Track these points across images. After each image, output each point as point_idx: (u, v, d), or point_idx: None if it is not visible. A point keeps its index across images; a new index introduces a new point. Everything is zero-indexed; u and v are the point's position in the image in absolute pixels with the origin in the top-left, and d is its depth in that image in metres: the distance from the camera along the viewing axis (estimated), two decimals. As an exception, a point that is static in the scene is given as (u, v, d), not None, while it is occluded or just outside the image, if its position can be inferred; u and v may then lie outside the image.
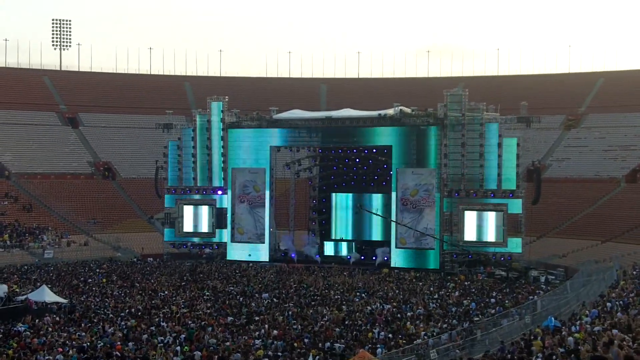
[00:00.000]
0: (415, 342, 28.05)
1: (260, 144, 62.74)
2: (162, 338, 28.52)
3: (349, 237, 64.38)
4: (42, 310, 35.72)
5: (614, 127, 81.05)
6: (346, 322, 32.55)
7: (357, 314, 34.91)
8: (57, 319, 33.76)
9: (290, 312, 35.30)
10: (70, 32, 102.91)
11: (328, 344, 27.61)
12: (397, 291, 43.70)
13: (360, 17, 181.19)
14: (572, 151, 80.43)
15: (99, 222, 71.59)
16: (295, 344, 27.64)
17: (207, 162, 63.92)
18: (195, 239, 64.37)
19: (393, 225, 58.48)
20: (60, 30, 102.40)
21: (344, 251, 63.21)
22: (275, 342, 28.09)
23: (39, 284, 43.00)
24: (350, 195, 64.90)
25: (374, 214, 62.75)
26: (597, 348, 17.13)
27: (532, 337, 24.55)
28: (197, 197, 64.24)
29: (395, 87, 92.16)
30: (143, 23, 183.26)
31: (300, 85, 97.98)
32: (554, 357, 19.20)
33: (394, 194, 58.54)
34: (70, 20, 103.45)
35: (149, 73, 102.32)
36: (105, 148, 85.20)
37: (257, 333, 29.89)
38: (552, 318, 27.87)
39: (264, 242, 62.14)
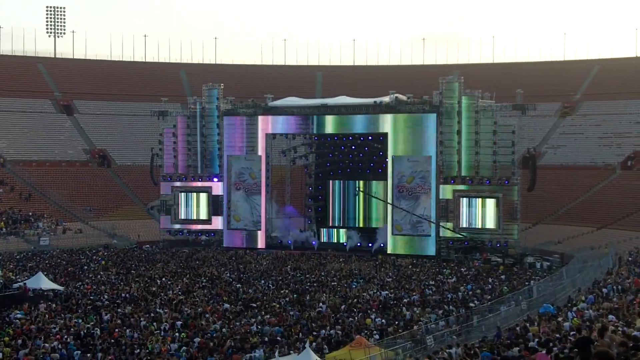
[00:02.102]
0: (411, 328, 28.18)
1: (256, 131, 62.68)
2: (159, 324, 28.57)
3: (346, 224, 64.50)
4: (38, 297, 35.71)
5: (609, 115, 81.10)
6: (343, 309, 32.65)
7: (354, 300, 35.02)
8: (53, 306, 33.79)
9: (287, 299, 35.38)
10: (64, 19, 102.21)
11: (324, 331, 27.71)
12: (393, 277, 43.82)
13: (355, 4, 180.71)
14: (568, 138, 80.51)
15: (95, 209, 71.45)
16: (293, 331, 27.74)
17: (203, 150, 63.89)
18: (192, 226, 64.40)
19: (389, 212, 58.54)
20: (54, 18, 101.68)
21: (341, 238, 63.29)
22: (272, 328, 28.18)
23: (35, 271, 42.98)
24: (349, 182, 64.86)
25: (374, 197, 62.86)
26: (593, 333, 17.20)
27: (529, 324, 24.63)
28: (193, 184, 64.24)
29: (390, 75, 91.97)
30: (138, 10, 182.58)
31: (295, 73, 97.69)
32: (550, 343, 19.27)
33: (389, 181, 58.58)
34: (64, 8, 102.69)
35: (144, 60, 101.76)
36: (101, 135, 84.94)
37: (254, 319, 29.98)
38: (549, 305, 27.98)
39: (260, 229, 62.18)
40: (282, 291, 38.14)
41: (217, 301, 34.73)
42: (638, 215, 60.94)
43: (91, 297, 35.78)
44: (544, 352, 18.45)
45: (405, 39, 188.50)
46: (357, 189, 63.60)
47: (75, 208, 71.18)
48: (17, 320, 29.60)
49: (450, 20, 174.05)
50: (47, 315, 31.01)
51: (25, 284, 37.47)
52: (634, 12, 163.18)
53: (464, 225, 56.23)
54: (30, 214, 66.71)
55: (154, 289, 38.56)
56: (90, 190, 75.11)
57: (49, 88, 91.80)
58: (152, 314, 30.97)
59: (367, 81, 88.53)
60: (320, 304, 33.78)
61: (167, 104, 67.42)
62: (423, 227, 57.05)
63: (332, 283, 41.03)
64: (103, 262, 49.75)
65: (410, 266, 49.64)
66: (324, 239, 63.43)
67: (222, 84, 64.98)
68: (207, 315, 30.64)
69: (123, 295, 36.27)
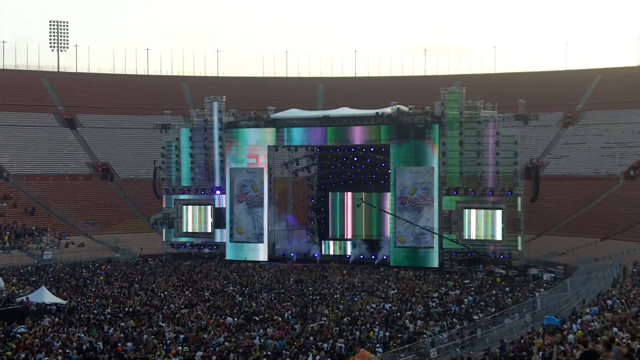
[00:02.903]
0: (415, 341, 28.02)
1: (258, 144, 62.73)
2: (162, 338, 28.46)
3: (348, 236, 64.38)
4: (41, 311, 35.62)
5: (611, 124, 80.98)
6: (346, 321, 32.51)
7: (357, 313, 34.87)
8: (56, 320, 33.69)
9: (290, 312, 35.24)
10: (67, 33, 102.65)
11: (327, 345, 27.55)
12: (396, 290, 43.63)
13: (356, 16, 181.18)
14: (570, 148, 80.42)
15: (98, 222, 71.46)
16: (295, 344, 27.60)
17: (205, 162, 63.96)
18: (194, 239, 64.35)
19: (391, 224, 58.40)
20: (57, 32, 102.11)
21: (343, 250, 63.18)
22: (275, 341, 28.03)
23: (38, 285, 42.87)
24: (349, 194, 64.78)
25: (375, 207, 62.68)
26: (597, 346, 17.09)
27: (534, 336, 24.48)
28: (195, 197, 64.26)
29: (392, 86, 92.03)
30: (140, 24, 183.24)
31: (297, 85, 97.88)
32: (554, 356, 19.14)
33: (392, 193, 58.46)
34: (67, 22, 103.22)
35: (146, 74, 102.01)
36: (104, 149, 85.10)
37: (256, 333, 29.85)
38: (553, 317, 27.81)
39: (262, 242, 62.10)
40: (284, 304, 38.00)
41: (219, 314, 34.61)
42: (642, 226, 60.76)
43: (94, 311, 35.68)
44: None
45: (406, 50, 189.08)
46: (358, 200, 63.43)
47: (78, 222, 71.19)
48: (20, 335, 29.49)
49: (452, 30, 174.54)
50: (49, 329, 30.89)
51: (28, 298, 37.41)
52: (636, 22, 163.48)
53: (467, 237, 56.10)
54: (34, 228, 66.78)
55: (156, 302, 38.45)
56: (93, 203, 75.19)
57: (52, 102, 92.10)
58: (154, 328, 30.86)
59: (368, 92, 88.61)
60: (323, 317, 33.64)
61: (169, 116, 67.61)
62: (426, 238, 56.95)
63: (335, 296, 40.86)
64: (101, 277, 49.44)
65: (413, 278, 49.44)
66: (326, 251, 63.34)
67: (224, 97, 65.08)
68: (209, 329, 30.53)
69: (126, 309, 36.16)
